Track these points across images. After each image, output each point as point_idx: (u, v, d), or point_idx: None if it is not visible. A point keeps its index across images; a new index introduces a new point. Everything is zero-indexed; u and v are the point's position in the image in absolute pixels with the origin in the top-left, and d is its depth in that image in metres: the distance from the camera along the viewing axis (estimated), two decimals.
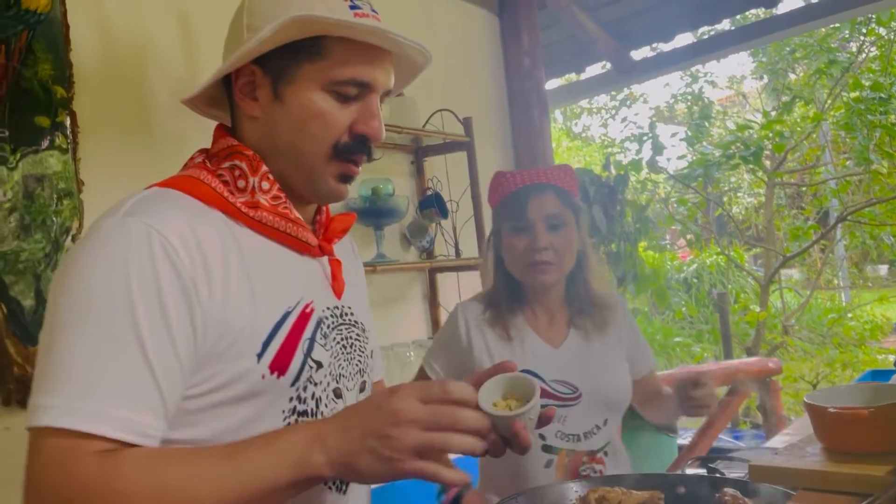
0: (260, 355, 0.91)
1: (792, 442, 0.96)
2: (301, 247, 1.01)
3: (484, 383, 0.94)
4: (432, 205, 2.74)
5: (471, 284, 2.85)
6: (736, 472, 1.33)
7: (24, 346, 1.78)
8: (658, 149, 4.86)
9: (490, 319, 1.65)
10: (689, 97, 7.08)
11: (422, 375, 1.70)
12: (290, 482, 0.80)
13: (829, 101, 5.70)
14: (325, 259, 1.06)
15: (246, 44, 0.94)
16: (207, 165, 0.99)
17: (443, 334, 1.72)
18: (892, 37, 5.01)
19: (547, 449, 1.57)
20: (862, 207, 5.24)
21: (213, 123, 2.29)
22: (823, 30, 5.41)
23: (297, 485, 0.81)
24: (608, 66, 4.56)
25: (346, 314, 1.07)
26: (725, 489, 1.20)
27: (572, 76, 4.97)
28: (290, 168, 0.99)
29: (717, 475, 1.35)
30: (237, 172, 0.97)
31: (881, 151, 5.03)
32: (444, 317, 2.81)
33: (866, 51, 5.31)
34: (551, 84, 4.60)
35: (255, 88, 0.98)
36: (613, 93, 9.03)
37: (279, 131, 0.98)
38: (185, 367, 0.85)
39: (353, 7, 0.94)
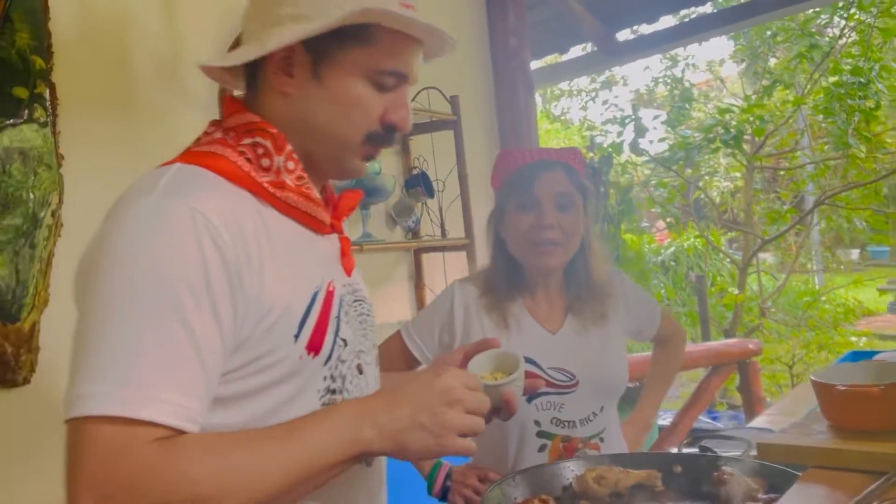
0: (297, 336, 0.91)
1: (796, 421, 0.96)
2: (319, 226, 1.01)
3: (472, 359, 1.10)
4: (418, 184, 2.70)
5: (457, 265, 2.83)
6: (731, 452, 1.32)
7: (3, 323, 1.73)
8: (641, 131, 4.86)
9: (487, 305, 1.59)
10: (670, 80, 7.09)
11: (396, 345, 1.62)
12: (343, 458, 0.83)
13: (808, 86, 5.74)
14: (335, 236, 1.06)
15: (295, 24, 0.92)
16: (228, 141, 0.96)
17: (433, 311, 1.65)
18: (873, 21, 5.04)
19: (542, 435, 1.55)
20: (840, 191, 5.30)
21: (197, 97, 2.25)
22: (803, 14, 5.44)
23: (348, 461, 0.84)
24: (590, 47, 4.54)
25: (357, 290, 1.08)
26: (724, 468, 1.20)
27: (552, 57, 4.94)
28: (319, 147, 0.99)
29: (710, 454, 1.35)
30: (260, 150, 0.95)
31: (859, 135, 5.07)
32: (429, 298, 2.79)
33: (846, 35, 5.34)
34: (534, 65, 4.57)
35: (293, 65, 0.96)
36: (593, 76, 9.02)
37: (313, 110, 0.96)
38: (227, 352, 0.85)
39: None
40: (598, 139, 6.08)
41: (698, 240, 7.87)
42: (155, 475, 0.73)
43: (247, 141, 0.95)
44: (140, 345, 0.77)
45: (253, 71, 0.99)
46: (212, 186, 0.89)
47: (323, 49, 0.94)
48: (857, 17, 5.17)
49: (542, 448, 1.54)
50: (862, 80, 4.99)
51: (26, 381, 1.76)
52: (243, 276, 0.85)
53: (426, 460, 0.90)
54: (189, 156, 0.94)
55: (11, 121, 1.76)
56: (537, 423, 1.54)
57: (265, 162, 0.94)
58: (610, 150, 5.02)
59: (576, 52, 4.81)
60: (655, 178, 6.21)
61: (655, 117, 5.90)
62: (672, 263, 8.39)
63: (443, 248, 2.81)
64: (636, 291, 1.77)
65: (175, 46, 2.20)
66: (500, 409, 1.02)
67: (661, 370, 1.87)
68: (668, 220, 6.12)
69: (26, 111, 1.79)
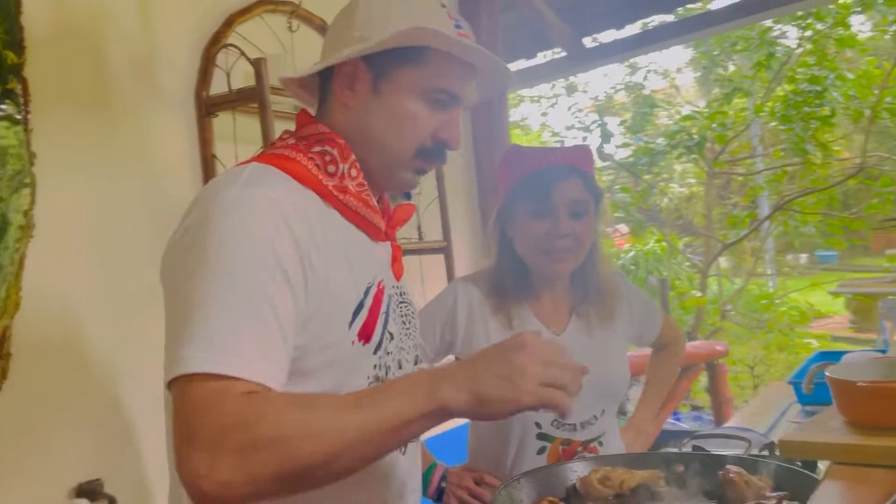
0: (350, 323, 0.99)
1: (817, 418, 0.96)
2: (374, 232, 1.10)
3: None
4: None
5: (434, 267, 2.82)
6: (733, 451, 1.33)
7: None
8: (606, 137, 4.91)
9: (493, 307, 1.57)
10: (631, 87, 7.19)
11: None
12: (421, 414, 0.85)
13: (763, 95, 5.88)
14: (388, 244, 1.15)
15: (361, 42, 1.03)
16: (300, 147, 1.06)
17: (434, 309, 1.62)
18: (828, 31, 5.19)
19: (542, 437, 1.54)
20: (797, 196, 5.43)
21: (171, 95, 2.19)
22: (760, 24, 5.57)
23: (426, 417, 0.85)
24: (554, 53, 4.57)
25: (404, 294, 1.17)
26: (729, 467, 1.21)
27: (517, 63, 4.95)
28: (373, 157, 1.08)
29: (714, 453, 1.36)
30: (328, 158, 1.05)
31: (816, 142, 5.21)
32: None
33: (803, 45, 5.49)
34: None
35: (356, 81, 1.06)
36: (553, 82, 9.10)
37: (371, 123, 1.06)
38: (299, 327, 0.93)
39: (457, 26, 1.06)
40: (559, 145, 6.13)
41: (657, 244, 7.99)
42: (245, 419, 0.80)
43: (316, 149, 1.05)
44: (231, 315, 0.85)
45: (324, 87, 1.11)
46: (284, 182, 0.98)
47: (382, 67, 1.05)
48: (813, 26, 5.32)
49: (541, 450, 1.54)
50: (818, 88, 5.13)
51: None
52: (312, 259, 0.94)
53: (505, 417, 0.88)
54: (264, 157, 1.04)
55: None
56: (538, 424, 1.54)
57: (331, 168, 1.04)
58: None
59: (542, 57, 4.84)
60: (619, 184, 6.29)
61: (622, 122, 5.97)
62: (632, 267, 8.50)
63: (419, 251, 2.79)
64: (639, 295, 1.77)
65: (150, 44, 2.14)
66: None
67: (660, 375, 1.87)
68: (631, 224, 6.20)
69: None
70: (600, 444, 1.57)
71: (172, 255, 0.96)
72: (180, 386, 0.83)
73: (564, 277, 1.62)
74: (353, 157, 1.06)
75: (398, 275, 1.16)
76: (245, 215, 0.91)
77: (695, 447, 1.54)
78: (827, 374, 0.95)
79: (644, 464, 1.28)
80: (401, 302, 1.14)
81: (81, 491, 1.82)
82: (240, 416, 0.80)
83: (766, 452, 1.47)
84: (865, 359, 1.21)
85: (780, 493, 1.10)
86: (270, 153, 1.05)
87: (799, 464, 1.19)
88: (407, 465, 1.11)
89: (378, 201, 1.14)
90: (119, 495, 1.85)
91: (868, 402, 0.88)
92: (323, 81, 1.11)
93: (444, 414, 0.86)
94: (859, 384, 0.90)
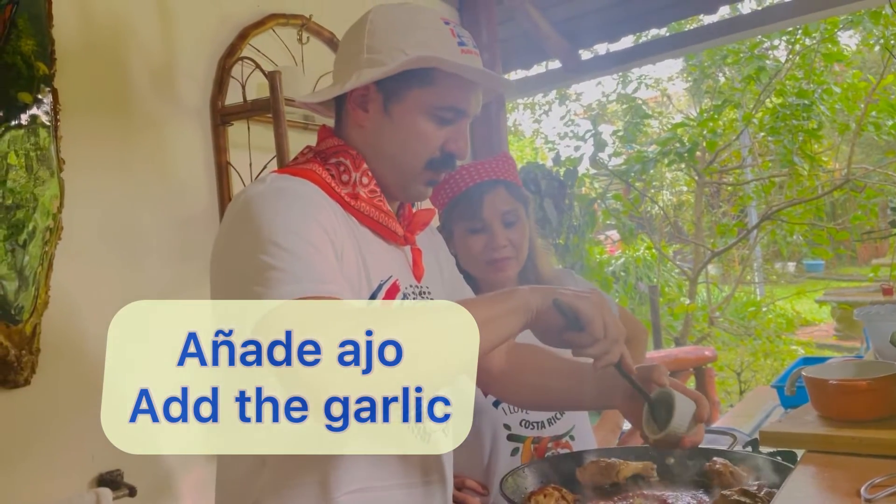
0: None
1: (794, 413, 1.08)
2: (390, 235, 1.16)
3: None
4: None
5: None
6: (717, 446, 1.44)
7: (6, 325, 1.75)
8: (600, 145, 5.03)
9: None
10: (624, 97, 7.33)
11: None
12: (512, 314, 0.99)
13: (752, 107, 6.01)
14: (408, 248, 1.21)
15: (370, 69, 1.11)
16: (318, 160, 1.14)
17: None
18: (816, 46, 5.34)
19: (513, 438, 1.59)
20: (785, 206, 5.57)
21: (190, 104, 2.29)
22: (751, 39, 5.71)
23: (517, 321, 1.00)
24: (550, 64, 4.68)
25: (425, 293, 1.22)
26: (715, 458, 1.32)
27: (514, 73, 5.07)
28: (387, 171, 1.15)
29: (700, 447, 1.46)
30: (342, 168, 1.13)
31: (803, 154, 5.35)
32: None
33: (793, 59, 5.63)
34: None
35: (368, 102, 1.14)
36: (546, 91, 9.21)
37: (383, 141, 1.14)
38: None
39: (460, 44, 1.12)
40: (549, 154, 6.25)
41: (648, 251, 8.12)
42: (335, 308, 0.90)
43: (332, 161, 1.14)
44: (301, 260, 0.94)
45: (339, 105, 1.19)
46: (307, 184, 1.07)
47: (392, 89, 1.12)
48: (802, 41, 5.46)
49: (514, 451, 1.58)
50: (806, 101, 5.26)
51: (27, 381, 1.79)
52: (336, 245, 1.02)
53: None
54: (285, 169, 1.14)
55: (16, 124, 1.79)
56: (507, 426, 1.58)
57: (345, 177, 1.12)
58: (568, 164, 5.18)
59: (538, 68, 4.95)
60: (612, 191, 6.42)
61: (615, 132, 6.10)
62: (622, 274, 8.62)
63: None
64: (591, 288, 1.84)
65: (169, 56, 2.24)
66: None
67: None
68: (622, 231, 6.32)
69: (30, 115, 1.82)
70: (572, 438, 1.62)
71: (224, 247, 1.04)
72: (281, 307, 0.89)
73: (511, 282, 1.66)
74: (364, 166, 1.13)
75: (419, 276, 1.21)
76: (284, 195, 1.01)
77: None
78: (803, 373, 1.06)
79: (638, 456, 1.39)
80: (419, 300, 1.20)
81: (103, 481, 1.91)
82: (332, 309, 0.89)
83: (749, 449, 1.59)
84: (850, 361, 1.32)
85: (761, 482, 1.21)
86: (290, 166, 1.15)
87: (780, 458, 1.31)
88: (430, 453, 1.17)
89: (399, 207, 1.22)
90: (139, 485, 1.94)
91: (838, 398, 0.99)
92: (338, 99, 1.19)
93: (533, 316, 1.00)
94: (831, 382, 1.01)
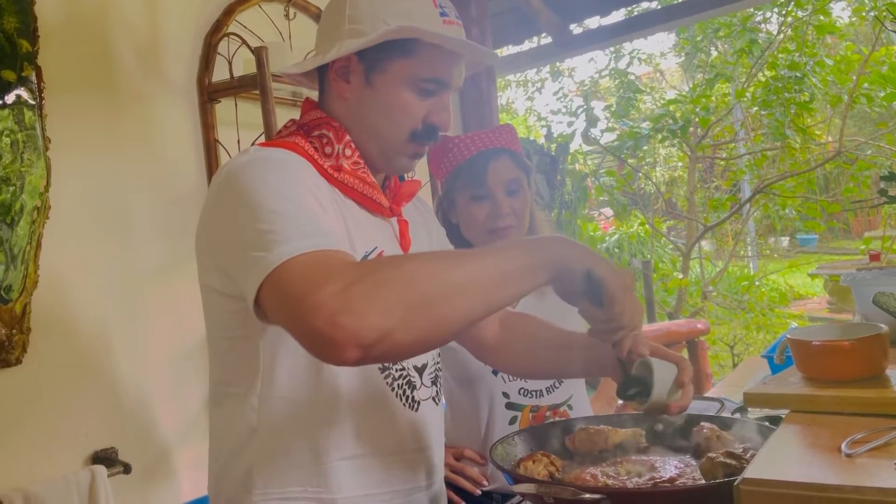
0: None
1: (779, 375, 1.08)
2: (374, 207, 1.15)
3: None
4: None
5: None
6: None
7: None
8: (592, 121, 5.01)
9: None
10: (616, 73, 7.31)
11: None
12: (539, 264, 0.93)
13: (745, 81, 6.00)
14: (394, 220, 1.20)
15: (351, 39, 1.09)
16: (302, 133, 1.13)
17: None
18: (808, 18, 5.31)
19: (511, 406, 1.61)
20: (777, 180, 5.57)
21: (176, 81, 2.27)
22: (743, 11, 5.68)
23: (543, 267, 0.93)
24: (541, 39, 4.66)
25: None
26: (703, 423, 1.33)
27: (505, 48, 5.04)
28: (370, 143, 1.14)
29: (688, 413, 1.48)
30: (324, 140, 1.12)
31: (795, 127, 5.34)
32: None
33: (785, 31, 5.61)
34: None
35: (350, 73, 1.12)
36: (539, 67, 9.18)
37: (365, 112, 1.13)
38: None
39: (442, 14, 1.11)
40: (542, 130, 6.23)
41: (641, 227, 8.13)
42: (364, 264, 0.89)
43: (315, 133, 1.13)
44: (300, 218, 0.92)
45: (322, 77, 1.18)
46: (292, 155, 1.06)
47: (373, 59, 1.10)
48: (794, 13, 5.43)
49: (512, 420, 1.60)
50: (798, 74, 5.25)
51: (18, 361, 1.79)
52: (324, 207, 1.01)
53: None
54: (270, 143, 1.11)
55: (0, 103, 1.78)
56: (506, 394, 1.60)
57: (327, 150, 1.11)
58: (560, 139, 5.17)
59: (528, 43, 4.93)
60: (605, 167, 6.41)
61: (607, 107, 6.08)
62: (616, 250, 8.64)
63: None
64: None
65: (154, 32, 2.22)
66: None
67: None
68: (616, 207, 6.33)
69: (14, 94, 1.81)
70: (570, 407, 1.64)
71: (211, 217, 1.03)
72: (285, 267, 0.85)
73: None
74: (347, 137, 1.12)
75: (406, 248, 1.20)
76: (269, 163, 1.00)
77: None
78: (788, 335, 1.07)
79: (627, 423, 1.40)
80: None
81: (97, 458, 1.92)
82: (359, 263, 0.87)
83: (737, 415, 1.60)
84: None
85: (748, 445, 1.22)
86: (275, 140, 1.13)
87: (767, 423, 1.32)
88: (420, 420, 1.17)
89: (385, 178, 1.21)
90: (133, 462, 1.95)
91: (821, 359, 1.00)
92: (321, 71, 1.17)
93: (557, 269, 0.94)
94: (814, 343, 1.02)
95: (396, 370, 1.13)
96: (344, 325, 0.78)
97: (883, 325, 1.04)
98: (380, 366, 1.10)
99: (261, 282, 0.86)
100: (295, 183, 0.98)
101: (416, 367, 1.17)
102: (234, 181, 0.98)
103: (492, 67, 3.58)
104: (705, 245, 9.70)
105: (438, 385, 1.24)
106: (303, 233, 0.89)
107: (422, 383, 1.17)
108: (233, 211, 0.97)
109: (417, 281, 0.84)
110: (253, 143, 1.19)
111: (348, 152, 1.12)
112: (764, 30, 5.99)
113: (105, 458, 1.93)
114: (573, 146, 6.08)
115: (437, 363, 1.24)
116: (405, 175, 1.30)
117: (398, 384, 1.13)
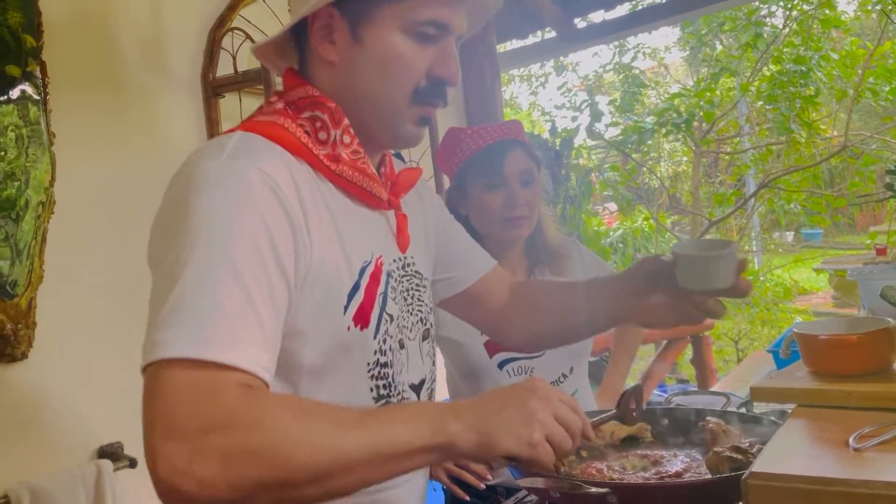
0: (346, 307, 0.93)
1: (786, 370, 1.08)
2: (374, 202, 1.02)
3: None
4: None
5: None
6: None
7: (1, 299, 1.75)
8: (597, 115, 5.00)
9: None
10: (620, 67, 7.28)
11: None
12: (425, 446, 0.79)
13: (749, 75, 5.97)
14: (392, 213, 1.07)
15: None
16: (289, 112, 0.98)
17: None
18: (813, 12, 5.28)
19: None
20: (782, 175, 5.55)
21: (179, 76, 2.27)
22: (748, 5, 5.65)
23: (430, 451, 0.80)
24: (545, 33, 4.64)
25: (409, 265, 1.10)
26: (709, 418, 1.32)
27: (509, 43, 5.02)
28: (369, 114, 0.99)
29: (694, 407, 1.47)
30: (318, 124, 0.97)
31: (800, 121, 5.32)
32: None
33: (790, 25, 5.58)
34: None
35: (333, 31, 0.97)
36: (543, 61, 9.15)
37: (358, 76, 0.97)
38: (291, 308, 0.86)
39: None
40: (547, 125, 6.21)
41: (645, 222, 8.11)
42: (236, 416, 0.72)
43: (306, 114, 0.97)
44: (216, 296, 0.77)
45: (301, 46, 1.01)
46: (273, 152, 0.90)
47: (356, 10, 0.95)
48: (799, 7, 5.41)
49: None
50: (803, 68, 5.22)
51: (24, 356, 1.80)
52: (304, 238, 0.87)
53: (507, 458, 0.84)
54: (251, 125, 0.95)
55: (5, 98, 1.78)
56: None
57: (322, 135, 0.96)
58: (564, 134, 5.16)
59: (533, 38, 4.91)
60: (609, 162, 6.40)
61: (611, 101, 6.06)
62: (620, 245, 8.62)
63: None
64: (593, 256, 1.86)
65: (158, 28, 2.22)
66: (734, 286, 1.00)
67: (625, 340, 1.99)
68: (620, 202, 6.31)
69: (19, 89, 1.81)
70: None
71: (155, 230, 0.88)
72: (160, 370, 0.73)
73: (519, 243, 1.72)
74: (345, 121, 0.97)
75: (403, 246, 1.08)
76: (231, 188, 0.83)
77: (678, 405, 1.66)
78: (795, 329, 1.06)
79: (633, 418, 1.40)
80: (403, 276, 1.07)
81: (103, 453, 1.93)
82: (233, 414, 0.71)
83: (743, 410, 1.60)
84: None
85: (754, 440, 1.22)
86: (258, 120, 0.96)
87: (773, 417, 1.31)
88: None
89: (380, 165, 1.06)
90: (139, 457, 1.96)
91: (828, 353, 1.00)
92: (299, 41, 1.01)
93: (448, 450, 0.81)
94: (821, 337, 1.01)
95: (395, 398, 1.02)
96: (181, 489, 0.69)
97: (890, 320, 1.04)
98: (375, 395, 0.99)
99: (144, 364, 0.75)
100: (251, 230, 0.82)
101: (412, 386, 1.07)
102: (183, 200, 0.83)
103: (495, 61, 3.57)
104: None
105: (433, 399, 1.17)
106: (213, 326, 0.75)
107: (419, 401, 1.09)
108: (165, 242, 0.83)
109: (288, 458, 0.72)
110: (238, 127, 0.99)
111: (347, 139, 0.97)
112: (769, 24, 5.95)
113: (111, 452, 1.94)
114: (577, 141, 6.07)
115: (433, 376, 1.16)
116: (404, 160, 1.19)
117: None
